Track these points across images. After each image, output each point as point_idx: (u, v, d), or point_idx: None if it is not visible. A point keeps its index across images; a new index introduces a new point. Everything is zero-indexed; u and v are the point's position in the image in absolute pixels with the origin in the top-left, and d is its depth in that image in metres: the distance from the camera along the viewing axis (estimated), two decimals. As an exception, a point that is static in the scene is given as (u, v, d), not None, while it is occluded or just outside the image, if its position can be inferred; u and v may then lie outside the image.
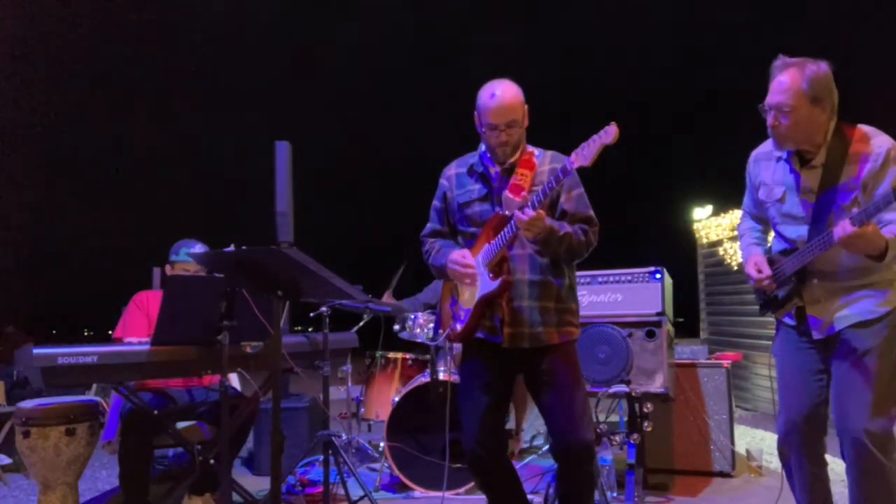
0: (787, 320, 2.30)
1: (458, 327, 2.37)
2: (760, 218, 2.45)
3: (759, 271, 2.27)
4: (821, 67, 2.06)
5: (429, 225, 2.57)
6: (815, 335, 2.20)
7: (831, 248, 2.07)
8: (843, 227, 1.95)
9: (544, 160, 2.35)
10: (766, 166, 2.31)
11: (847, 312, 2.15)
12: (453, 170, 2.50)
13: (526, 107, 2.33)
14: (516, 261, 2.30)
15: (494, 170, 2.36)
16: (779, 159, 2.26)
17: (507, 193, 2.26)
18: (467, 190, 2.42)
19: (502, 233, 2.23)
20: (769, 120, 2.12)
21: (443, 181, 2.52)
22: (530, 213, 2.10)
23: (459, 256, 2.33)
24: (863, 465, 2.05)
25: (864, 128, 2.13)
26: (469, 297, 2.36)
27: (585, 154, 2.04)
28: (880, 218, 2.01)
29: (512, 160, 2.33)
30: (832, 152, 2.11)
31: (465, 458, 2.38)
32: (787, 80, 2.06)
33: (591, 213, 2.34)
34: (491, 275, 2.27)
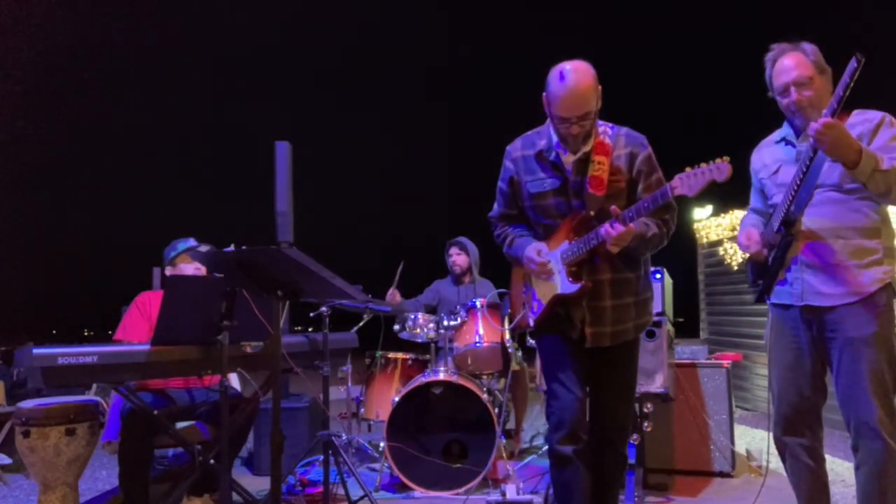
0: (778, 298, 2.27)
1: (531, 318, 2.36)
2: (763, 212, 2.46)
3: (749, 238, 2.30)
4: (811, 45, 2.17)
5: (496, 207, 2.49)
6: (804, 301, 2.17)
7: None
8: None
9: (618, 141, 2.24)
10: (767, 152, 2.38)
11: (832, 291, 2.12)
12: (519, 151, 2.36)
13: (599, 88, 2.15)
14: (597, 261, 2.23)
15: (568, 159, 2.24)
16: (778, 142, 2.33)
17: (589, 191, 2.19)
18: (538, 178, 2.30)
19: (586, 237, 2.16)
20: (792, 96, 2.16)
21: (507, 163, 2.39)
22: (620, 228, 2.04)
23: (535, 253, 2.27)
24: (878, 455, 2.04)
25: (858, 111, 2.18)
26: (544, 291, 2.31)
27: (692, 185, 1.94)
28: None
29: (586, 149, 2.21)
30: None
31: (559, 430, 2.24)
32: (793, 58, 2.16)
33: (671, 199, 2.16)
34: (571, 278, 2.22)
